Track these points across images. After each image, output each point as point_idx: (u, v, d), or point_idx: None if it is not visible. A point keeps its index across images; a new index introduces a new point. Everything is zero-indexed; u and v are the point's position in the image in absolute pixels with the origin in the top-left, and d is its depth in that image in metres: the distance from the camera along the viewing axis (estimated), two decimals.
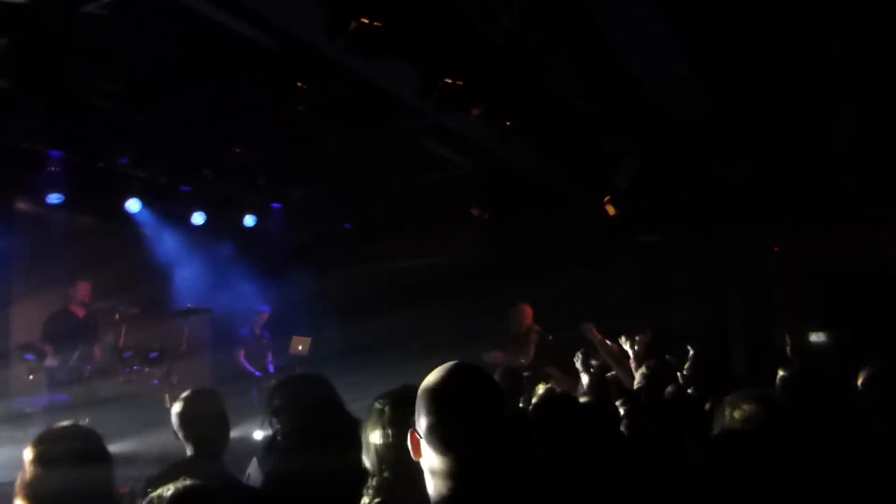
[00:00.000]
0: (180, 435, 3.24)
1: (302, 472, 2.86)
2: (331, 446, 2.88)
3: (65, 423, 2.76)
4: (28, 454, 2.56)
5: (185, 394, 3.33)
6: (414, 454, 1.77)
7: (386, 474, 2.24)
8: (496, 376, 4.65)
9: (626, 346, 6.50)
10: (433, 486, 1.74)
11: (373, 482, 2.27)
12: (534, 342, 8.29)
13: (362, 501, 2.24)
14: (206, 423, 3.26)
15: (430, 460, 1.73)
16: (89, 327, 7.97)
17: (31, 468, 2.52)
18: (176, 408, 3.27)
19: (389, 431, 2.27)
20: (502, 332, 8.31)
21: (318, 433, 3.02)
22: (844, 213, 9.99)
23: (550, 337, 8.23)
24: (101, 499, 2.49)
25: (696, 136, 8.29)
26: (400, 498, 2.20)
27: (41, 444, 2.59)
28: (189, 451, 3.24)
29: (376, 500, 2.22)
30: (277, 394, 3.20)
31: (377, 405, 2.36)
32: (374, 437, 2.29)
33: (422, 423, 1.75)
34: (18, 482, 2.53)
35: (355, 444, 2.46)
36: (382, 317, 10.73)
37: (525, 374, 6.08)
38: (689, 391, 4.77)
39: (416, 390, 1.82)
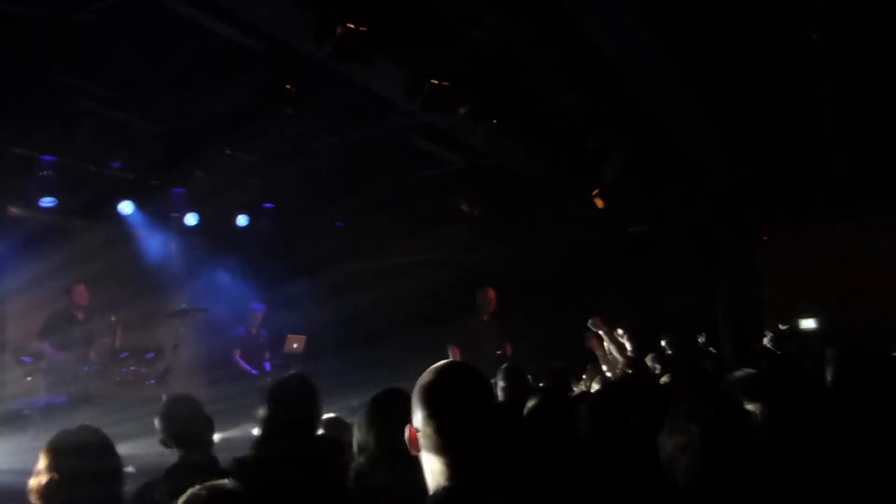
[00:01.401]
0: (169, 441, 3.35)
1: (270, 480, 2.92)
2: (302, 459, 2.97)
3: (77, 425, 2.81)
4: (42, 456, 2.63)
5: (164, 401, 3.46)
6: (412, 448, 1.85)
7: (363, 461, 2.39)
8: (500, 376, 4.74)
9: (624, 339, 6.67)
10: (431, 478, 1.83)
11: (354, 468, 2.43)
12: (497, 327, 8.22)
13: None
14: (189, 424, 3.37)
15: (427, 454, 1.82)
16: (86, 329, 8.02)
17: (46, 469, 2.60)
18: (158, 417, 3.38)
19: (364, 427, 2.47)
20: (467, 319, 8.18)
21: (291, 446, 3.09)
22: (832, 204, 10.12)
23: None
24: (113, 495, 2.57)
25: (681, 128, 8.39)
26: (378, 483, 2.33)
27: (55, 445, 2.66)
28: (179, 455, 3.34)
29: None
30: (263, 399, 3.28)
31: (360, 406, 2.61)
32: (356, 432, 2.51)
33: (418, 418, 1.84)
34: (33, 483, 2.60)
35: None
36: (375, 314, 10.83)
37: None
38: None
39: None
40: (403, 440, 1.87)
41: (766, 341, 6.17)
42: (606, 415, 3.05)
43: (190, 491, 2.05)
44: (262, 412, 3.17)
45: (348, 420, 3.41)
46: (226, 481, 2.14)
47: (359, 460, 2.63)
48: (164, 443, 3.38)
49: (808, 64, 6.96)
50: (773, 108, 8.01)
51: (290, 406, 3.15)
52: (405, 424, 1.88)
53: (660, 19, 5.81)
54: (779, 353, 5.79)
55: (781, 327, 9.00)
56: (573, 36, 5.96)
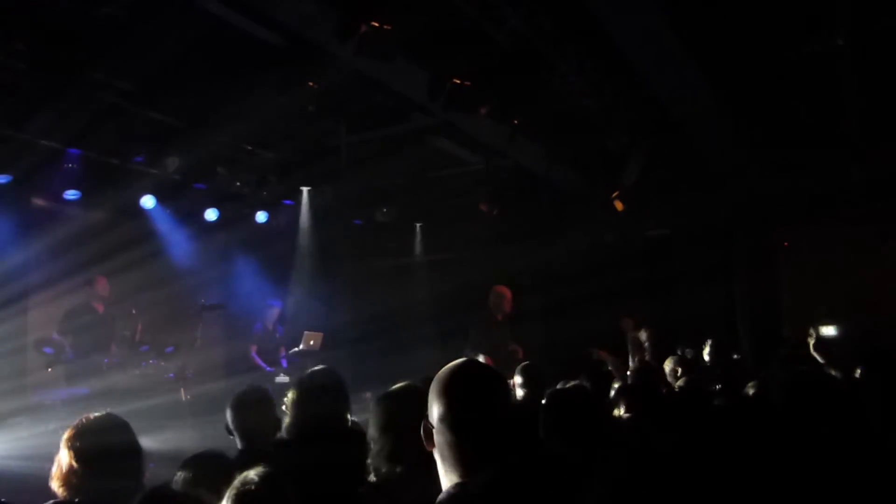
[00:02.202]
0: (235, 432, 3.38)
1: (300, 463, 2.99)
2: (326, 439, 3.12)
3: (98, 413, 2.82)
4: (64, 443, 2.65)
5: (238, 393, 3.47)
6: (427, 444, 1.87)
7: (377, 450, 2.44)
8: (518, 375, 4.75)
9: (643, 339, 6.69)
10: (445, 474, 1.84)
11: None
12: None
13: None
14: (261, 420, 3.40)
15: (442, 450, 1.84)
16: (107, 322, 8.10)
17: (67, 456, 2.62)
18: (230, 408, 3.41)
19: (379, 423, 2.60)
20: (482, 319, 8.14)
21: (317, 425, 3.21)
22: (852, 209, 10.02)
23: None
24: (131, 490, 2.59)
25: (702, 131, 8.35)
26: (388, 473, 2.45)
27: (77, 433, 2.68)
28: (239, 446, 3.37)
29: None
30: (290, 389, 3.37)
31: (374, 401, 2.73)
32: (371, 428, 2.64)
33: (434, 414, 1.86)
34: (55, 470, 2.63)
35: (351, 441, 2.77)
36: (391, 311, 10.86)
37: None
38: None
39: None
40: (417, 436, 1.89)
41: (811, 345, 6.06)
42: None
43: (242, 476, 2.17)
44: (290, 401, 3.25)
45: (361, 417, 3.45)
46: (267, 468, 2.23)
47: (373, 455, 2.65)
48: (229, 430, 3.40)
49: (832, 69, 6.92)
50: (794, 112, 7.96)
51: (319, 398, 3.26)
52: (419, 421, 1.90)
53: (684, 23, 5.80)
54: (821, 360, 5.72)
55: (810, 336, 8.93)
56: (596, 38, 5.96)
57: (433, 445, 1.86)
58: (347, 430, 3.31)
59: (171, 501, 2.01)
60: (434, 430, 1.85)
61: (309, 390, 3.32)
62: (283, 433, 3.34)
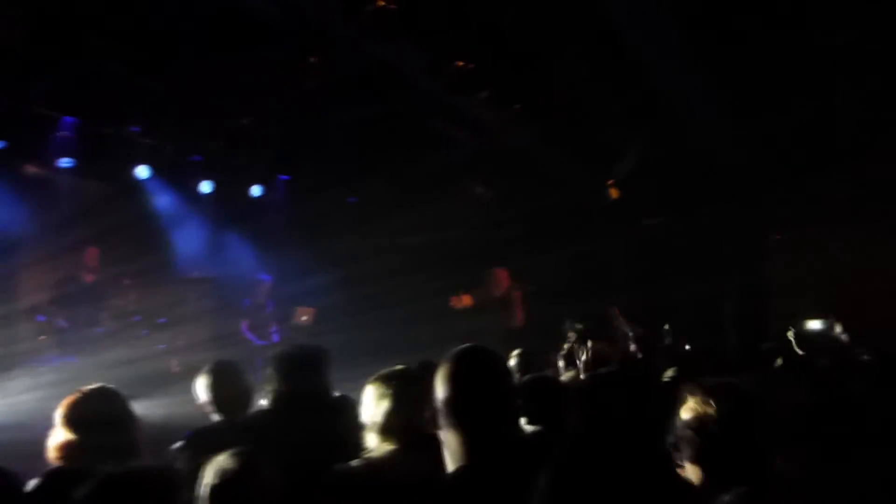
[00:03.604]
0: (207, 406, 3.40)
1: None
2: (309, 410, 3.17)
3: (93, 385, 2.84)
4: (59, 415, 2.67)
5: (208, 367, 3.48)
6: (434, 427, 1.95)
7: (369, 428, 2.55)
8: (513, 359, 4.78)
9: (628, 329, 6.72)
10: (450, 455, 1.91)
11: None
12: (518, 301, 8.32)
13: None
14: (232, 391, 3.42)
15: (447, 431, 1.91)
16: (98, 291, 8.08)
17: (64, 428, 2.64)
18: (201, 382, 3.41)
19: (367, 402, 2.61)
20: (479, 293, 8.25)
21: (300, 399, 3.25)
22: (844, 208, 10.11)
23: (532, 289, 8.25)
24: (128, 457, 2.61)
25: (700, 124, 8.38)
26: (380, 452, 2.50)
27: (72, 404, 2.70)
28: (216, 418, 3.39)
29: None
30: (270, 362, 3.42)
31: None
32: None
33: (440, 397, 1.93)
34: (51, 442, 2.65)
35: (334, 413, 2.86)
36: (385, 290, 10.87)
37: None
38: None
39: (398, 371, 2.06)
40: (411, 417, 1.93)
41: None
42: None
43: (221, 457, 2.17)
44: (268, 379, 3.30)
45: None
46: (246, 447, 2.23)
47: (364, 435, 2.68)
48: (204, 406, 3.42)
49: (828, 69, 6.95)
50: (792, 112, 8.00)
51: (297, 374, 3.30)
52: (412, 402, 1.95)
53: (688, 17, 5.80)
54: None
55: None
56: (600, 26, 5.95)
57: (439, 427, 1.93)
58: (329, 402, 3.37)
59: (135, 482, 1.98)
60: (440, 413, 1.91)
61: (289, 362, 3.36)
62: (267, 404, 3.39)
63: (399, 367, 2.85)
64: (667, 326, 7.47)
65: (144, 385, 6.80)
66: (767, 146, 9.05)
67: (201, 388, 3.40)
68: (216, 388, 3.38)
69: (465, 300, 8.04)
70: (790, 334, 6.27)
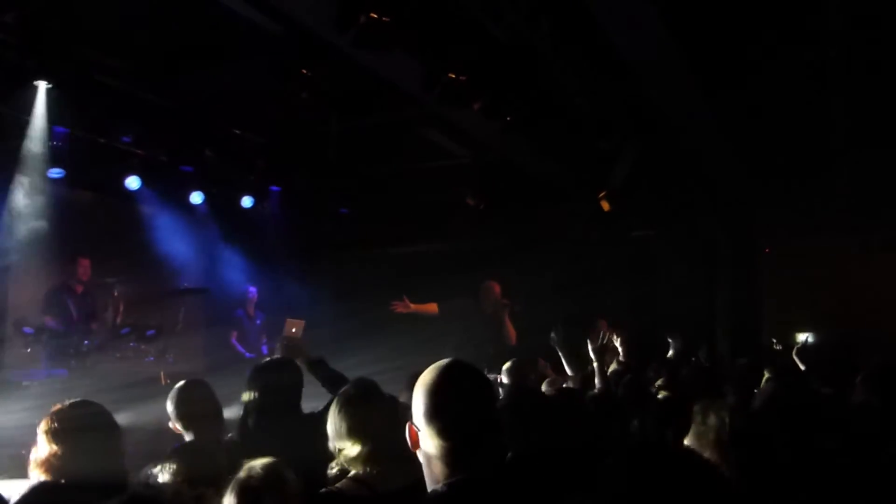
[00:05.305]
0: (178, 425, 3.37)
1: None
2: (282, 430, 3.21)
3: (75, 399, 2.82)
4: (42, 429, 2.64)
5: (177, 386, 3.46)
6: (412, 445, 1.86)
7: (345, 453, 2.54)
8: (504, 373, 4.76)
9: (617, 342, 6.68)
10: (429, 473, 1.84)
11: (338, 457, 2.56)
12: (506, 318, 8.21)
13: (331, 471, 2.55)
14: (201, 407, 3.41)
15: (427, 449, 1.83)
16: (88, 303, 8.01)
17: (46, 442, 2.61)
18: (170, 399, 3.39)
19: (337, 417, 2.61)
20: (457, 304, 8.15)
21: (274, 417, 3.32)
22: (835, 219, 10.16)
23: (517, 308, 8.16)
24: (113, 470, 2.58)
25: (692, 136, 8.40)
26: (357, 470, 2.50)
27: (55, 419, 2.67)
28: (187, 438, 3.35)
29: (336, 469, 2.56)
30: (250, 377, 3.49)
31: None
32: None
33: (419, 414, 1.85)
34: (33, 456, 2.62)
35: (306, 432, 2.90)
36: (376, 301, 10.82)
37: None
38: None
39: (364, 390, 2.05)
40: (392, 439, 1.89)
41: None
42: None
43: (246, 469, 2.25)
44: (246, 395, 3.37)
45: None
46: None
47: (336, 454, 2.63)
48: (174, 425, 3.39)
49: (820, 81, 7.00)
50: (783, 123, 8.04)
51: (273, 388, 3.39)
52: (390, 424, 1.91)
53: (680, 27, 5.82)
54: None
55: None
56: (592, 37, 5.97)
57: (418, 446, 1.86)
58: (303, 417, 3.45)
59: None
60: (419, 432, 1.84)
61: (265, 377, 3.44)
62: (247, 420, 3.43)
63: (361, 384, 2.79)
64: (670, 340, 7.42)
65: (133, 397, 6.73)
66: (758, 156, 9.09)
67: (171, 406, 3.38)
68: (185, 405, 3.36)
69: (407, 306, 7.92)
70: (794, 351, 6.26)
